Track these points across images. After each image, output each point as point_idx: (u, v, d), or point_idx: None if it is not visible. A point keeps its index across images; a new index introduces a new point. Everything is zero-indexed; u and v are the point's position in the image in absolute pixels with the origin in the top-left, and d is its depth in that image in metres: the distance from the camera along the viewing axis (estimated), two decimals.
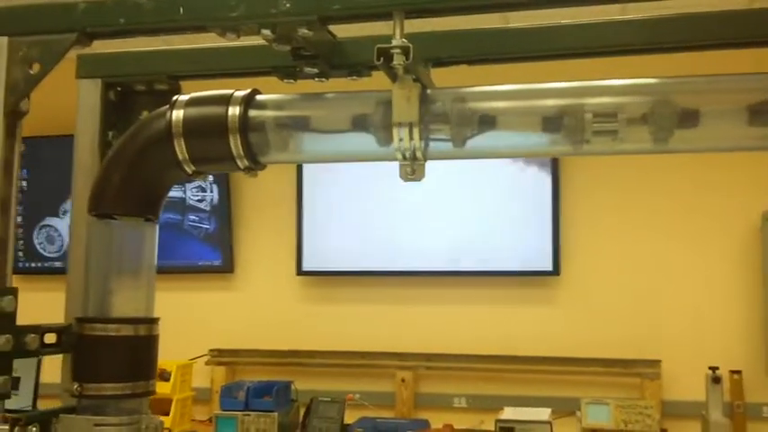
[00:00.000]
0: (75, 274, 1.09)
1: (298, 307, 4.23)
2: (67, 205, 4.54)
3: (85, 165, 1.11)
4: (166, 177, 1.02)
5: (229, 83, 1.10)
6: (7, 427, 0.91)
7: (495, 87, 0.97)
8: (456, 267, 3.98)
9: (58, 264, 4.50)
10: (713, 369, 3.44)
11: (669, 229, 3.81)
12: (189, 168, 1.00)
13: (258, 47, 1.04)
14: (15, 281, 3.91)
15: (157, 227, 1.05)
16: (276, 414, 3.63)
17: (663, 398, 3.67)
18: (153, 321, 1.03)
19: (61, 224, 4.56)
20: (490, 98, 0.97)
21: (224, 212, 4.28)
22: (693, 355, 3.64)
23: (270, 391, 3.72)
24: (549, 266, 3.86)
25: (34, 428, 0.93)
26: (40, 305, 4.23)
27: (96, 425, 0.95)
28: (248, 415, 3.63)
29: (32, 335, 0.97)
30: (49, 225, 4.55)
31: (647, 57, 1.09)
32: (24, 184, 4.54)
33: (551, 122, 0.92)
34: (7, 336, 0.93)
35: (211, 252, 4.32)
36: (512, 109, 0.96)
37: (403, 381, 3.98)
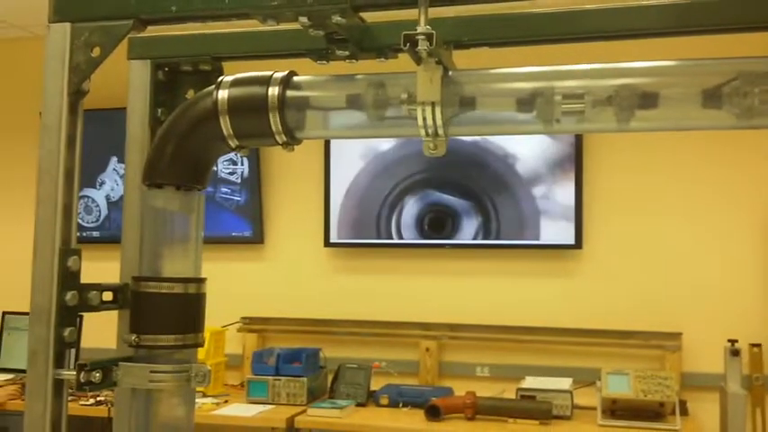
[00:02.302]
0: (128, 238, 1.20)
1: (326, 277, 4.34)
2: (105, 176, 4.68)
3: (137, 139, 1.22)
4: (213, 151, 1.13)
5: (267, 64, 1.20)
6: (74, 372, 1.02)
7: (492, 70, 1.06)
8: (480, 240, 4.07)
9: (95, 233, 4.65)
10: (732, 342, 3.50)
11: (690, 204, 3.86)
12: (233, 143, 1.10)
13: (294, 31, 1.12)
14: None
15: (204, 196, 1.16)
16: (305, 379, 3.77)
17: (683, 370, 3.74)
18: (201, 281, 1.15)
19: (98, 195, 4.70)
20: (475, 81, 1.06)
21: (254, 185, 4.39)
22: (714, 328, 3.70)
23: (299, 357, 3.86)
24: (571, 240, 3.93)
25: (98, 374, 1.04)
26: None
27: (152, 371, 1.06)
28: (279, 379, 3.77)
29: (94, 292, 1.09)
30: (86, 196, 4.69)
31: (664, 39, 1.16)
32: None
33: (525, 103, 1.02)
34: (73, 292, 1.05)
35: (242, 223, 4.44)
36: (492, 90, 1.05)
37: (427, 350, 4.08)
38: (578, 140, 3.91)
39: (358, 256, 4.31)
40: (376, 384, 3.89)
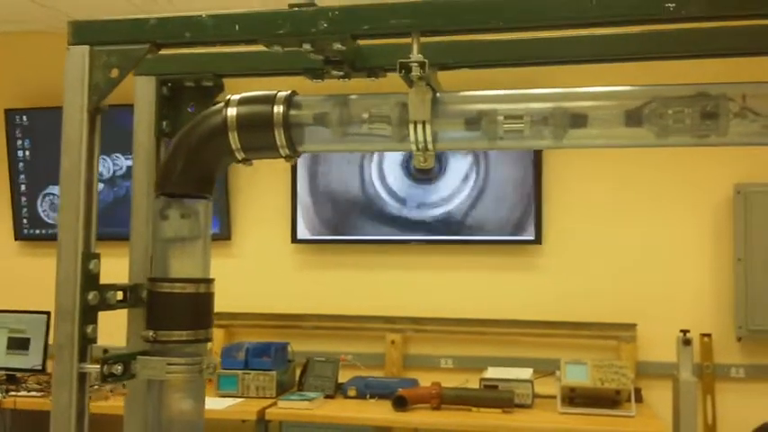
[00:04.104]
0: (137, 242, 1.30)
1: (293, 273, 4.43)
2: None
3: (144, 150, 1.31)
4: (220, 163, 1.24)
5: (265, 80, 1.30)
6: (98, 366, 1.11)
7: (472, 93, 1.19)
8: (444, 236, 4.20)
9: None
10: (684, 332, 3.67)
11: (645, 201, 4.03)
12: (240, 156, 1.21)
13: (291, 51, 1.23)
14: (19, 247, 4.18)
15: (211, 203, 1.27)
16: (274, 372, 3.86)
17: (638, 359, 3.92)
18: (210, 281, 1.25)
19: None
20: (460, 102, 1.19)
21: (221, 182, 4.45)
22: (667, 319, 3.87)
23: (268, 351, 3.94)
24: (531, 236, 4.09)
25: (119, 366, 1.14)
26: (45, 270, 4.42)
27: (168, 364, 1.16)
28: (248, 373, 3.85)
29: (112, 292, 1.19)
30: (52, 193, 4.70)
31: (623, 64, 1.31)
32: (27, 153, 4.69)
33: (473, 123, 1.16)
34: (94, 292, 1.14)
35: None
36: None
37: (393, 343, 4.20)
38: None
39: (324, 253, 4.40)
40: (343, 377, 3.99)
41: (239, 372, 3.86)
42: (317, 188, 4.35)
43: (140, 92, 1.32)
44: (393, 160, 4.23)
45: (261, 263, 4.45)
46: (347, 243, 4.34)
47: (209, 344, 1.23)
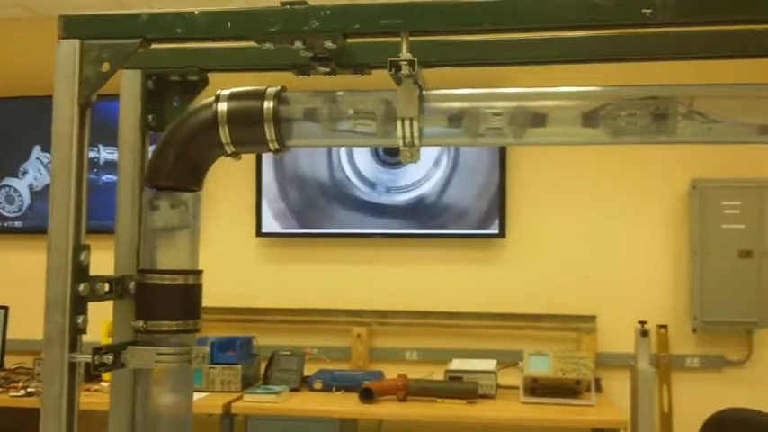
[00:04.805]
0: (122, 234, 1.31)
1: (258, 267, 4.43)
2: (28, 165, 4.61)
3: (129, 144, 1.33)
4: (210, 157, 1.26)
5: (251, 76, 1.32)
6: (88, 356, 1.13)
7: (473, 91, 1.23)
8: (409, 230, 4.24)
9: (17, 224, 4.57)
10: (642, 323, 3.79)
11: (605, 197, 4.14)
12: (229, 149, 1.23)
13: (278, 47, 1.25)
14: None
15: (201, 196, 1.29)
16: (239, 367, 3.86)
17: (597, 350, 4.02)
18: (198, 272, 1.28)
19: (20, 184, 4.62)
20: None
21: None
22: (625, 311, 3.98)
23: (233, 345, 3.94)
24: (495, 230, 4.16)
25: (110, 356, 1.16)
26: (2, 264, 4.40)
27: (158, 353, 1.18)
28: (213, 368, 3.84)
29: (101, 283, 1.20)
30: (8, 185, 4.62)
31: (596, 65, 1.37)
32: None
33: (455, 120, 1.21)
34: (85, 283, 1.15)
35: None
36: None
37: (358, 336, 4.23)
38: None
39: (289, 246, 4.41)
40: (308, 371, 4.01)
41: (204, 366, 3.85)
42: (283, 173, 4.33)
43: (126, 86, 1.33)
44: None
45: (225, 256, 4.44)
46: (311, 237, 4.36)
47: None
